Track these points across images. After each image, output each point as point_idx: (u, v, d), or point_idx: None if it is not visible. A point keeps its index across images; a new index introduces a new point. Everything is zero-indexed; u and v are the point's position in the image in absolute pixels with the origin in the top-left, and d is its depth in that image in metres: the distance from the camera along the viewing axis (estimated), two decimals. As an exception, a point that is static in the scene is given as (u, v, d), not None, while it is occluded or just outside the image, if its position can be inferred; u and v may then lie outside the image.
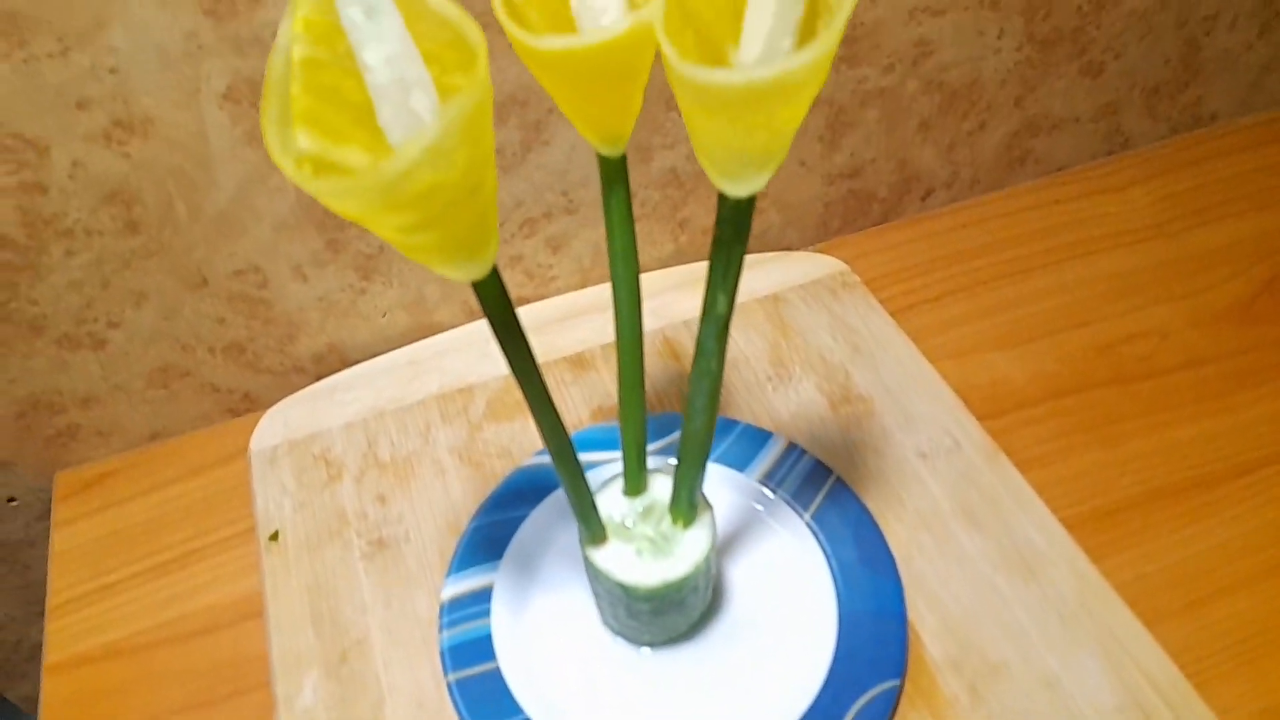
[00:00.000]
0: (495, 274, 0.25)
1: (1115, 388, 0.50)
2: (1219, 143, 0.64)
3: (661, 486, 0.36)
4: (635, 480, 0.35)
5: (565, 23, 0.26)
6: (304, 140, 0.22)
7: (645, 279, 0.54)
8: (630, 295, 0.31)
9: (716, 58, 0.24)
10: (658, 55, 0.24)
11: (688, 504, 0.34)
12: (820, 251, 0.57)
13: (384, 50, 0.21)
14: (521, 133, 0.46)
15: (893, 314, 0.53)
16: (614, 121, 0.27)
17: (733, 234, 0.27)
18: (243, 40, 0.37)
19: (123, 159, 0.39)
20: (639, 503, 0.36)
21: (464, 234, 0.23)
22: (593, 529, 0.34)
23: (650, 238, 0.54)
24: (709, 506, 0.35)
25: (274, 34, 0.37)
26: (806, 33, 0.23)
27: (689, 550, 0.34)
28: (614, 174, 0.28)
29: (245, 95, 0.39)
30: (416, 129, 0.22)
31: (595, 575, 0.35)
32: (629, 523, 0.35)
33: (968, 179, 0.60)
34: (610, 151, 0.28)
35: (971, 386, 0.50)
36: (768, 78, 0.21)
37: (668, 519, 0.35)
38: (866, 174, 0.56)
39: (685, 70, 0.21)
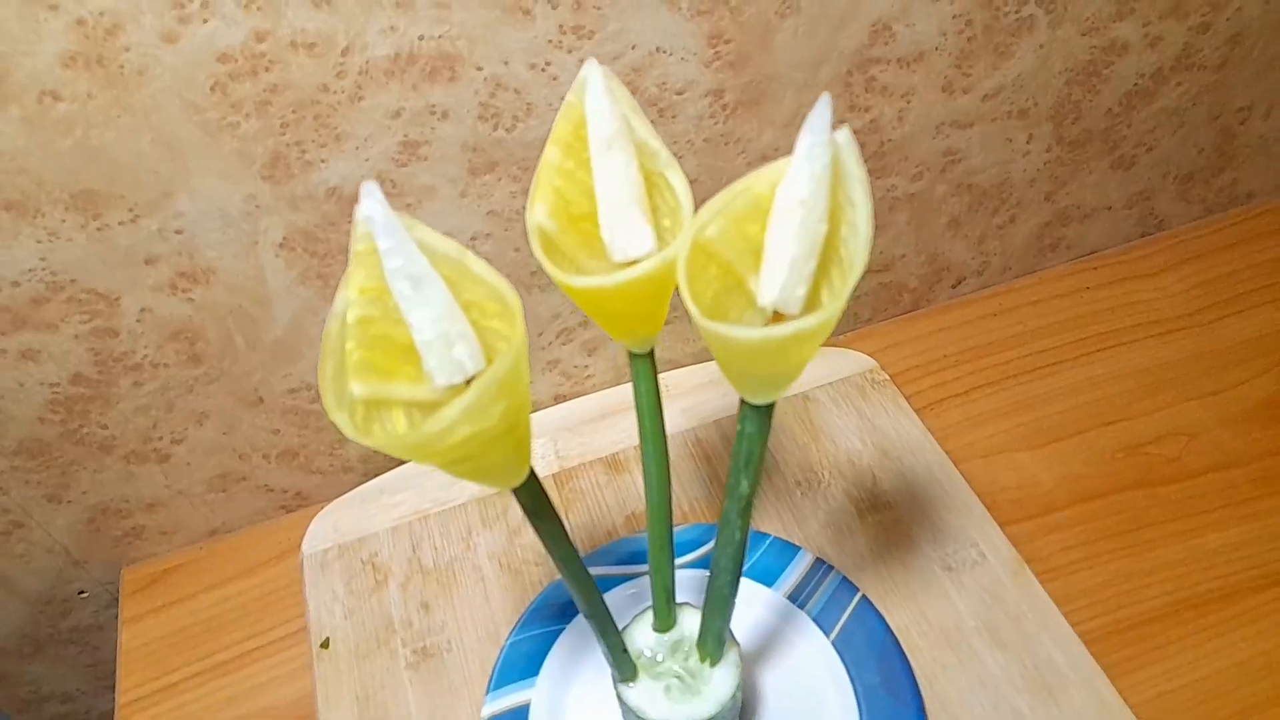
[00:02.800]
0: (532, 478, 0.27)
1: (1142, 490, 0.50)
2: (1255, 223, 0.64)
3: (690, 621, 0.38)
4: (665, 618, 0.37)
5: (598, 246, 0.27)
6: (357, 387, 0.24)
7: (677, 375, 0.56)
8: (659, 468, 0.33)
9: (736, 286, 0.26)
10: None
11: (715, 644, 0.36)
12: (849, 342, 0.58)
13: (430, 314, 0.23)
14: (558, 255, 0.48)
15: (921, 410, 0.54)
16: (641, 331, 0.28)
17: (754, 430, 0.28)
18: (297, 197, 0.40)
19: (187, 303, 0.42)
20: (668, 638, 0.37)
21: (500, 461, 0.25)
22: (623, 669, 0.36)
23: (682, 335, 0.56)
24: (736, 644, 0.37)
25: (325, 191, 0.39)
26: (821, 274, 0.25)
27: (717, 688, 0.36)
28: (642, 366, 0.30)
29: (299, 243, 0.41)
30: (459, 374, 0.24)
31: (626, 711, 0.37)
32: (659, 658, 0.37)
33: (998, 267, 0.61)
34: (639, 349, 0.30)
35: (999, 489, 0.51)
36: (782, 336, 0.23)
37: (695, 655, 0.37)
38: (896, 268, 0.58)
39: (706, 325, 0.23)
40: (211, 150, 0.37)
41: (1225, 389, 0.55)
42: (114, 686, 0.60)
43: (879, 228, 0.54)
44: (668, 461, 0.33)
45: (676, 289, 0.25)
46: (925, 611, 0.44)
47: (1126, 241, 0.64)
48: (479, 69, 0.39)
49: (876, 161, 0.50)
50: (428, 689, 0.44)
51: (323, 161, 0.39)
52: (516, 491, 0.27)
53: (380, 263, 0.23)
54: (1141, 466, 0.51)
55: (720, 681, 0.36)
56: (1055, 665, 0.42)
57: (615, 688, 0.37)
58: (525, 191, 0.44)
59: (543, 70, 0.40)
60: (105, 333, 0.41)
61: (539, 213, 0.26)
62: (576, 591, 0.31)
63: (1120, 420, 0.54)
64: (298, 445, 0.51)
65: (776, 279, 0.24)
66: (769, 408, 0.28)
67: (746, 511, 0.31)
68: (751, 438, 0.29)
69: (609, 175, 0.26)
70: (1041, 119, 0.52)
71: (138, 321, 0.41)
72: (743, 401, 0.28)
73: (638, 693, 0.36)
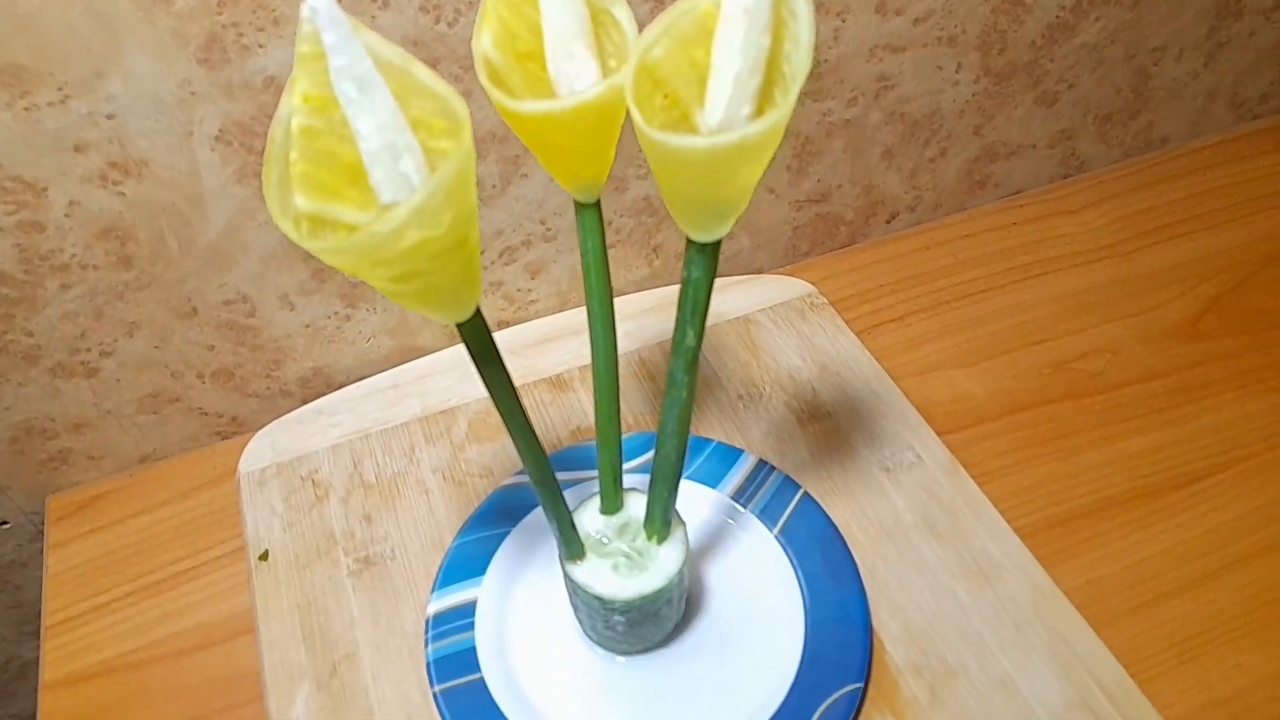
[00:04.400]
0: (478, 314, 0.27)
1: (1069, 403, 0.52)
2: (1170, 165, 0.67)
3: (637, 504, 0.38)
4: (611, 499, 0.37)
5: (544, 87, 0.28)
6: (301, 200, 0.24)
7: (620, 302, 0.56)
8: (605, 329, 0.33)
9: (682, 119, 0.26)
10: (628, 114, 0.26)
11: (662, 521, 0.36)
12: (789, 274, 0.59)
13: (375, 120, 0.23)
14: (501, 166, 0.48)
15: (859, 333, 0.55)
16: (588, 173, 0.29)
17: (700, 275, 0.29)
18: (234, 85, 0.39)
19: (118, 198, 0.41)
20: (615, 520, 0.38)
21: (449, 284, 0.25)
22: (571, 546, 0.36)
23: (625, 262, 0.56)
24: (682, 523, 0.37)
25: (263, 80, 0.39)
26: (765, 98, 0.25)
27: (663, 564, 0.36)
28: (589, 218, 0.30)
29: (236, 137, 0.41)
30: (405, 190, 0.24)
31: (574, 589, 0.37)
32: (606, 539, 0.37)
33: (930, 202, 0.63)
34: (585, 198, 0.30)
35: (934, 403, 0.52)
36: (727, 143, 0.23)
37: (643, 535, 0.37)
38: (833, 199, 0.59)
39: (653, 135, 0.23)
40: (145, 26, 0.36)
41: (1144, 311, 0.57)
42: (38, 633, 0.58)
43: (816, 154, 0.56)
44: (614, 325, 0.33)
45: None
46: (865, 509, 0.45)
47: (1050, 182, 0.66)
48: (421, -42, 0.39)
49: (814, 84, 0.52)
50: (371, 595, 0.43)
51: (260, 47, 0.38)
52: (463, 329, 0.27)
53: (325, 69, 0.23)
54: (1067, 381, 0.53)
55: (667, 557, 0.37)
56: (990, 554, 0.43)
57: (562, 566, 0.37)
58: (466, 91, 0.44)
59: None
60: (32, 227, 0.40)
61: (484, 41, 0.26)
62: (524, 449, 0.31)
63: (1047, 340, 0.56)
64: (233, 364, 0.50)
65: (721, 96, 0.25)
66: (714, 249, 0.28)
67: (693, 367, 0.31)
68: (698, 283, 0.29)
69: (554, 6, 0.26)
70: (969, 47, 0.54)
71: (66, 216, 0.40)
72: (689, 245, 0.29)
73: (585, 570, 0.36)
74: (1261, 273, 0.59)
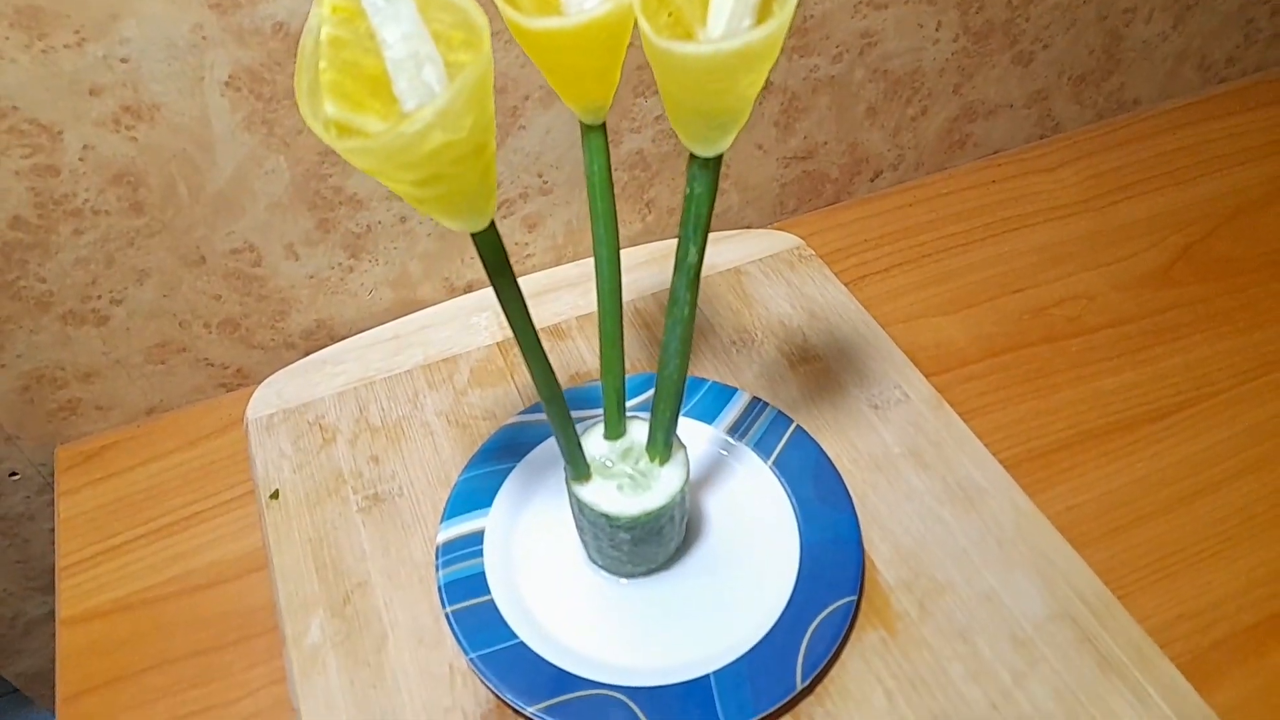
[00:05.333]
0: (493, 226, 0.29)
1: (1047, 345, 0.54)
2: (1141, 126, 0.69)
3: (639, 430, 0.39)
4: (615, 425, 0.39)
5: (553, 7, 0.29)
6: (330, 108, 0.25)
7: (615, 256, 0.58)
8: (610, 252, 0.35)
9: (686, 37, 0.28)
10: (634, 36, 0.28)
11: (664, 443, 0.38)
12: (777, 229, 0.61)
13: (400, 29, 0.25)
14: (499, 118, 0.49)
15: (846, 285, 0.57)
16: (595, 93, 0.30)
17: (702, 190, 0.30)
18: (245, 31, 0.40)
19: (130, 143, 0.42)
20: (619, 445, 0.39)
21: (469, 189, 0.27)
22: (578, 467, 0.38)
23: (619, 217, 0.58)
24: (683, 446, 0.39)
25: (272, 26, 0.40)
26: (764, 13, 0.27)
27: (666, 484, 0.38)
28: (595, 140, 0.32)
29: (245, 83, 0.42)
30: (428, 97, 0.25)
31: (580, 509, 0.38)
32: (610, 462, 0.39)
33: (912, 161, 0.65)
34: (592, 120, 0.32)
35: (918, 348, 0.54)
36: (731, 49, 0.25)
37: (645, 458, 0.39)
38: (819, 156, 0.61)
39: (661, 44, 0.25)
40: (160, -30, 0.37)
41: (1118, 260, 0.59)
42: (44, 588, 0.59)
43: (803, 110, 0.57)
44: (618, 252, 0.35)
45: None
46: (855, 442, 0.47)
47: (1027, 143, 0.68)
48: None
49: (800, 39, 0.53)
50: (380, 529, 0.45)
51: (271, -8, 0.40)
52: (478, 239, 0.29)
53: (353, -19, 0.24)
54: (1045, 326, 0.56)
55: (669, 478, 0.38)
56: (974, 481, 0.46)
57: (569, 488, 0.38)
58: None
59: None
60: (47, 170, 0.41)
61: (499, -37, 0.28)
62: (533, 363, 0.33)
63: (1026, 288, 0.58)
64: (239, 315, 0.51)
65: (723, 11, 0.26)
66: (716, 164, 0.30)
67: (695, 284, 0.33)
68: (700, 198, 0.31)
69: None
70: (948, 5, 0.56)
71: (80, 160, 0.41)
72: (691, 162, 0.30)
73: (591, 490, 0.38)
74: (1229, 224, 0.61)
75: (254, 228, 0.47)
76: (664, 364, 0.36)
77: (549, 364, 0.33)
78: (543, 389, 0.34)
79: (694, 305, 0.34)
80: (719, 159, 0.30)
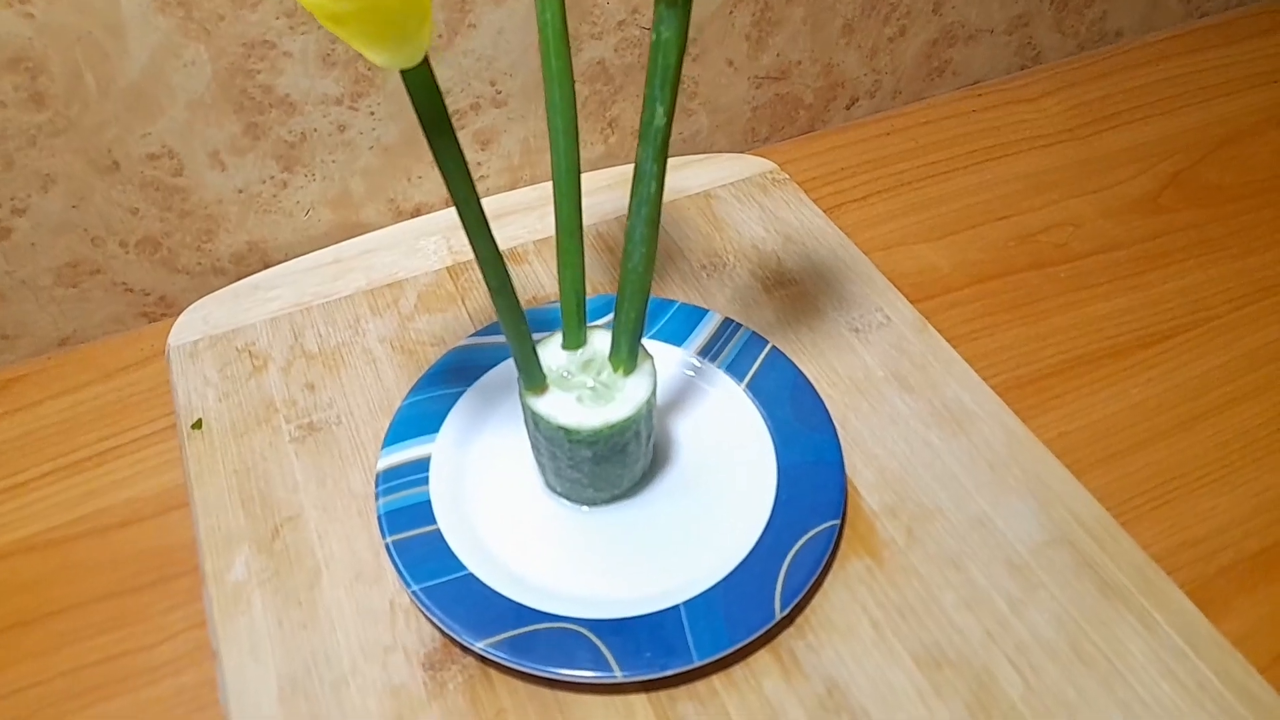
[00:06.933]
0: (427, 64, 0.25)
1: (1034, 271, 0.51)
2: (1124, 58, 0.67)
3: (601, 340, 0.36)
4: (575, 332, 0.35)
5: None
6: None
7: (576, 179, 0.54)
8: (566, 123, 0.31)
9: None
10: None
11: (628, 350, 0.34)
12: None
13: None
14: (446, 14, 0.45)
15: (822, 212, 0.53)
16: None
17: (670, 34, 0.27)
18: (152, -113, 0.36)
19: (25, 20, 0.37)
20: (579, 355, 0.35)
21: (395, 3, 0.23)
22: (533, 375, 0.34)
23: (583, 140, 0.54)
24: (649, 356, 0.35)
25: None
26: None
27: (631, 395, 0.34)
28: (547, -16, 0.28)
29: (156, -49, 0.37)
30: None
31: (536, 423, 0.34)
32: (569, 373, 0.35)
33: (890, 89, 0.61)
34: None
35: (900, 275, 0.51)
36: None
37: (608, 369, 0.35)
38: (793, 77, 0.57)
39: None
40: None
41: (1106, 188, 0.56)
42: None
43: (776, 23, 0.54)
44: (575, 120, 0.31)
45: None
46: (834, 365, 0.44)
47: (1008, 73, 0.65)
48: None
49: (773, -59, 0.50)
50: (316, 459, 0.41)
51: None
52: (409, 77, 0.25)
53: None
54: (1032, 252, 0.52)
55: (634, 389, 0.34)
56: (962, 404, 0.42)
57: (523, 401, 0.35)
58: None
59: None
60: (-74, 47, 0.36)
61: None
62: (478, 244, 0.29)
63: (1011, 215, 0.55)
64: (160, 233, 0.46)
65: None
66: (686, 3, 0.26)
67: (663, 154, 0.29)
68: (668, 45, 0.27)
69: None
70: (931, -89, 0.53)
71: (-34, 38, 0.37)
72: (657, 3, 0.26)
73: (548, 402, 0.34)
74: (1217, 152, 0.59)
75: (173, 130, 0.43)
76: (628, 254, 0.32)
77: (495, 242, 0.29)
78: (489, 274, 0.30)
79: (662, 180, 0.30)
80: (689, 2, 0.26)
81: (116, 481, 0.42)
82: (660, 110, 0.28)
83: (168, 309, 0.49)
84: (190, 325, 0.46)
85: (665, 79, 0.27)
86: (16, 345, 0.47)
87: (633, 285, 0.32)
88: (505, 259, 0.30)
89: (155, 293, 0.48)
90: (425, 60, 0.25)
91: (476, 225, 0.29)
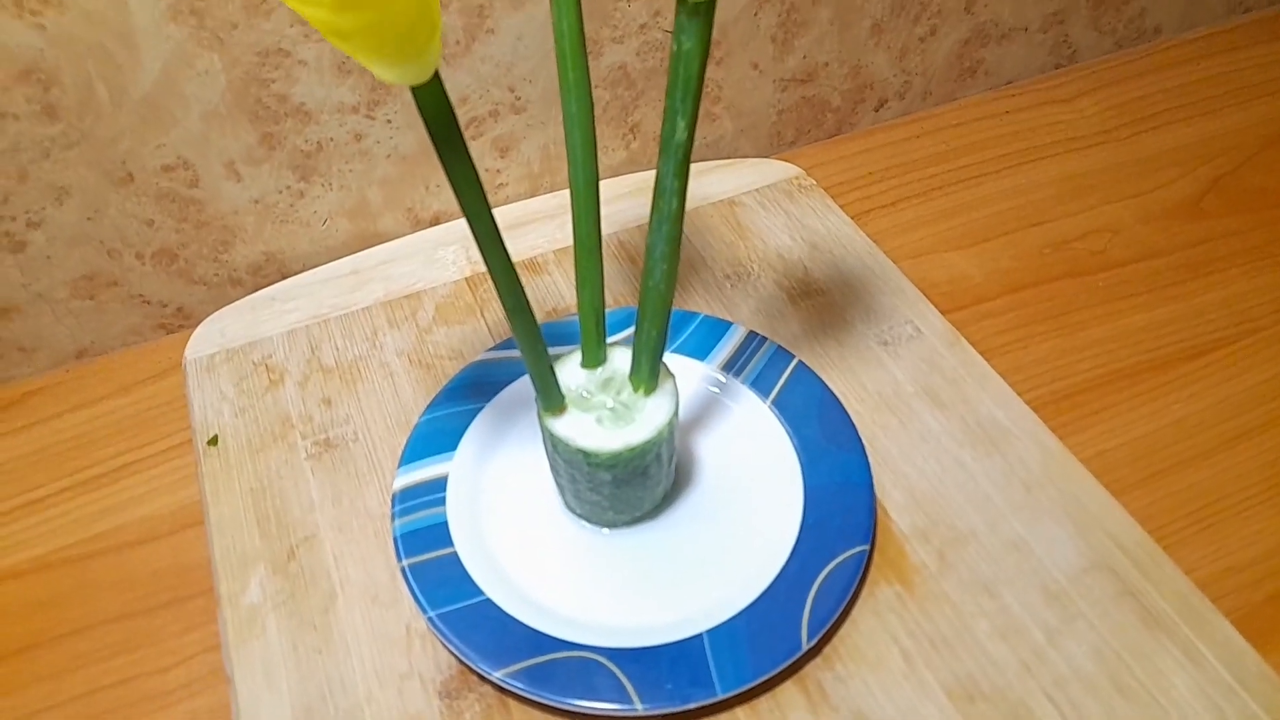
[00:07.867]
0: (437, 79, 0.24)
1: (1070, 280, 0.50)
2: (1162, 56, 0.64)
3: (621, 358, 0.35)
4: (594, 351, 0.34)
5: None
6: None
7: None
8: (585, 136, 0.29)
9: None
10: None
11: (649, 370, 0.33)
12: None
13: None
14: (464, 19, 0.44)
15: (850, 218, 0.52)
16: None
17: (692, 45, 0.25)
18: (163, -105, 0.35)
19: (37, 31, 0.36)
20: (598, 374, 0.34)
21: (402, 18, 0.21)
22: (551, 396, 0.33)
23: (600, 144, 0.53)
24: (671, 374, 0.34)
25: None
26: None
27: (652, 416, 0.33)
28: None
29: (168, -40, 0.37)
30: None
31: (555, 446, 0.33)
32: (588, 393, 0.34)
33: (920, 90, 0.60)
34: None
35: (930, 284, 0.49)
36: None
37: (628, 389, 0.34)
38: (820, 80, 0.56)
39: None
40: None
41: (1144, 193, 0.54)
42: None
43: (802, 24, 0.52)
44: (593, 135, 0.30)
45: None
46: (863, 381, 0.42)
47: (1042, 73, 0.64)
48: None
49: (800, -59, 0.48)
50: (332, 477, 0.40)
51: None
52: (419, 94, 0.24)
53: None
54: (1068, 260, 0.51)
55: (655, 409, 0.33)
56: (996, 421, 0.41)
57: (541, 423, 0.33)
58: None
59: None
60: (-63, 61, 0.36)
61: None
62: (490, 255, 0.28)
63: (1045, 221, 0.53)
64: (176, 244, 0.46)
65: None
66: (708, 12, 0.25)
67: (684, 168, 0.28)
68: (689, 55, 0.26)
69: None
70: (963, -92, 0.51)
71: (-22, 51, 0.36)
72: (679, 11, 0.25)
73: (567, 424, 0.33)
74: (1261, 154, 0.57)
75: (187, 141, 0.42)
76: (649, 272, 0.31)
77: (512, 266, 0.28)
78: (504, 293, 0.29)
79: (683, 197, 0.29)
80: (712, 3, 0.25)
81: (133, 498, 0.42)
82: (682, 124, 0.27)
83: (185, 320, 0.49)
84: (207, 338, 0.45)
85: (687, 91, 0.26)
86: (34, 358, 0.46)
87: (654, 303, 0.31)
88: (524, 270, 0.29)
89: (172, 304, 0.48)
90: (436, 76, 0.24)
91: (492, 246, 0.28)
